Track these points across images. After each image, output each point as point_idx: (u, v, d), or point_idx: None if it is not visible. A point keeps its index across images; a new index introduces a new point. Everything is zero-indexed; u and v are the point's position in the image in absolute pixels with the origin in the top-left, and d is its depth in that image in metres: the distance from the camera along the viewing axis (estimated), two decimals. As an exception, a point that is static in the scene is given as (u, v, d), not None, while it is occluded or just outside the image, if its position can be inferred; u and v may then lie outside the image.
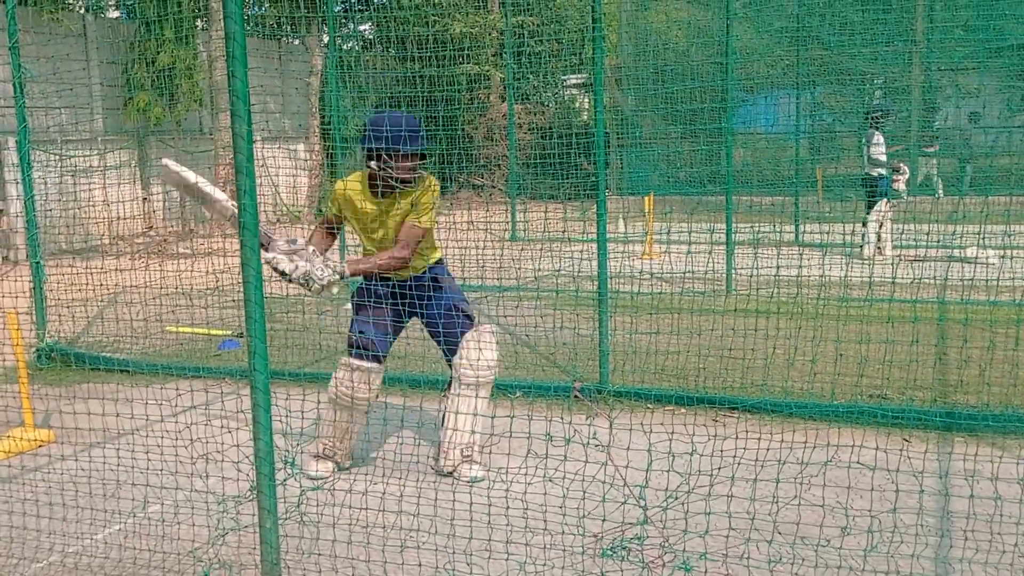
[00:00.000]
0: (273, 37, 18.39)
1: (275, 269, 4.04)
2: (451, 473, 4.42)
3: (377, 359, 4.37)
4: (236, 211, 4.07)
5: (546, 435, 3.51)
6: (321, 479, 4.42)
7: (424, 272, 4.48)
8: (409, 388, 5.71)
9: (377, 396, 4.50)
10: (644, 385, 5.61)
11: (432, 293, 4.46)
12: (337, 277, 4.12)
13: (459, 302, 4.48)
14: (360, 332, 4.36)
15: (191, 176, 4.37)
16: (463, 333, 4.43)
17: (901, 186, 10.78)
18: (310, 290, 4.06)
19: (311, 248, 4.26)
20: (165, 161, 4.50)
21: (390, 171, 4.19)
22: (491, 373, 4.43)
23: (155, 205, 15.60)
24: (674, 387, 5.49)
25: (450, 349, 4.47)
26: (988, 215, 4.95)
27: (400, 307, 4.37)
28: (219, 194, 4.39)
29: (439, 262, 4.56)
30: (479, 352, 4.38)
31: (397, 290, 4.38)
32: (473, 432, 4.43)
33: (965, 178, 15.98)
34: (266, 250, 4.03)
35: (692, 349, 5.88)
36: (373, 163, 4.22)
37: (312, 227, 10.27)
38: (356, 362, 4.36)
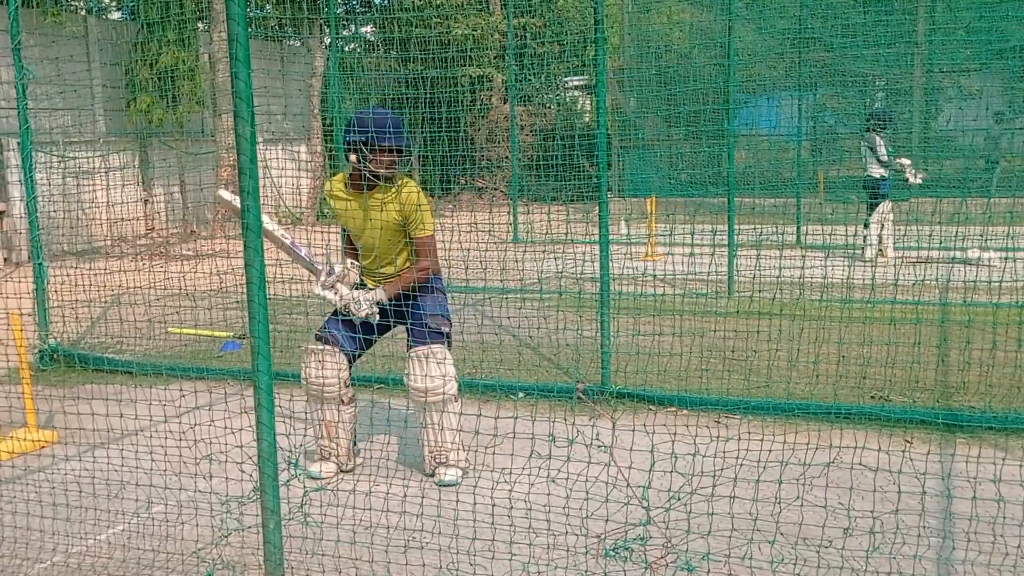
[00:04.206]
0: (275, 39, 18.41)
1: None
2: (432, 475, 4.44)
3: (336, 342, 4.42)
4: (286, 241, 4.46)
5: (549, 436, 3.51)
6: (322, 479, 4.42)
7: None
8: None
9: (347, 387, 4.46)
10: (646, 387, 5.61)
11: (412, 303, 4.45)
12: (375, 309, 4.39)
13: (434, 314, 4.43)
14: (324, 326, 4.52)
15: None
16: (419, 345, 4.40)
17: (918, 179, 10.77)
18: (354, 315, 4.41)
19: (351, 265, 4.49)
20: (220, 192, 4.60)
21: (368, 165, 4.28)
22: (439, 389, 4.31)
23: (157, 207, 15.62)
24: (676, 389, 5.48)
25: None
26: (990, 217, 4.96)
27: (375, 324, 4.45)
28: (273, 225, 4.48)
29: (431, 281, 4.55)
30: (424, 368, 4.31)
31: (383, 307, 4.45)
32: (441, 440, 4.39)
33: (993, 179, 15.88)
34: (316, 278, 4.44)
35: (694, 351, 5.88)
36: (353, 157, 4.32)
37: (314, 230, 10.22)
38: (313, 345, 4.46)
